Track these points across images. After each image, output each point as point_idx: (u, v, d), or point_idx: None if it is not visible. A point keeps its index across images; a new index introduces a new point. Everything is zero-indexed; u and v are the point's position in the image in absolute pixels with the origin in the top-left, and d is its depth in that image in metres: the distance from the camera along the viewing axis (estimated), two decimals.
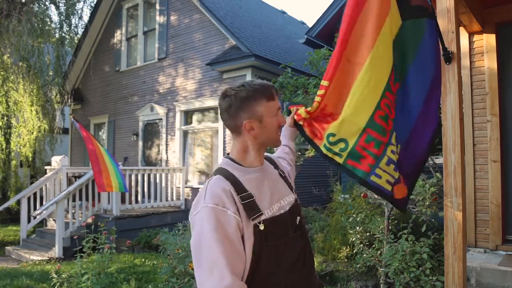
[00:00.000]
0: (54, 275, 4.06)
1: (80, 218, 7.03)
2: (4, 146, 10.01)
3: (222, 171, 1.28)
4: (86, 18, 14.91)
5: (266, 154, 1.49)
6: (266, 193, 1.29)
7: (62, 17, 10.38)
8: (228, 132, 8.25)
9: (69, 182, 8.32)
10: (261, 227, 1.19)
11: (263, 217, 1.21)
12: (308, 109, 1.86)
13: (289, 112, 1.96)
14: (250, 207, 1.20)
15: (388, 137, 1.85)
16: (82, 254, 4.32)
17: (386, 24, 1.89)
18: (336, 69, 1.87)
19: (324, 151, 1.86)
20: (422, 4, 2.07)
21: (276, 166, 1.47)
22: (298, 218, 1.37)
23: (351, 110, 1.83)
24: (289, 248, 1.28)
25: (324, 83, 1.88)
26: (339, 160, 1.85)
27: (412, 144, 1.99)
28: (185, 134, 9.25)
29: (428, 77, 2.04)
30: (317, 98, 1.87)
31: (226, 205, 1.16)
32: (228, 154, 1.37)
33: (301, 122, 1.86)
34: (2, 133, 10.04)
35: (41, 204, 7.82)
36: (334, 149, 1.84)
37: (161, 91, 9.68)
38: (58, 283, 4.06)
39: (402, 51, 1.99)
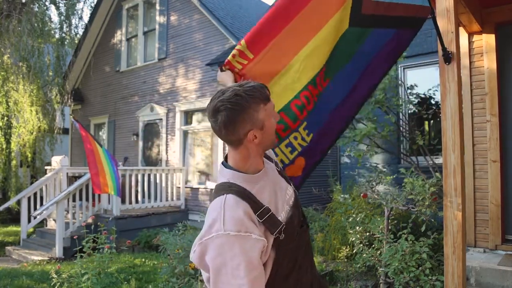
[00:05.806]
0: (54, 275, 4.06)
1: (80, 218, 7.03)
2: (4, 146, 10.00)
3: (234, 188, 1.15)
4: (86, 18, 14.99)
5: None
6: (276, 196, 1.24)
7: (62, 17, 10.37)
8: None
9: (69, 182, 8.32)
10: (281, 237, 1.15)
11: (283, 227, 1.17)
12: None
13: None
14: (271, 223, 1.14)
15: (297, 125, 2.01)
16: (82, 254, 4.31)
17: (333, 21, 1.91)
18: (269, 43, 1.87)
19: None
20: (384, 13, 2.09)
21: (270, 158, 1.40)
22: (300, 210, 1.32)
23: (274, 91, 1.83)
24: (300, 245, 1.25)
25: (248, 53, 1.87)
26: None
27: (322, 135, 2.15)
28: (185, 134, 9.25)
29: (349, 85, 2.15)
30: (238, 65, 1.88)
31: (249, 229, 1.06)
32: (225, 160, 1.27)
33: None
34: (2, 133, 10.04)
35: (41, 204, 7.82)
36: None
37: (161, 91, 9.69)
38: (58, 283, 4.06)
39: (339, 52, 2.05)
